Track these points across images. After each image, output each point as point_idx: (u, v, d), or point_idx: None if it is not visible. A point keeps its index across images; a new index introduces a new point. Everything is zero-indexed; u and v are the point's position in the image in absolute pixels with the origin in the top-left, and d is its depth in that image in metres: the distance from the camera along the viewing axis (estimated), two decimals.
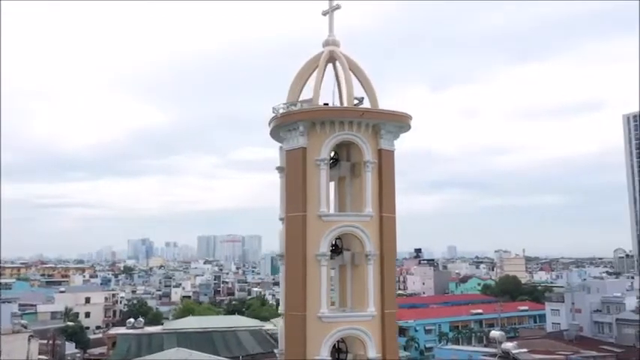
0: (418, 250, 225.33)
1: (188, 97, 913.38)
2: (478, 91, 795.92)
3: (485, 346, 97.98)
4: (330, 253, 14.87)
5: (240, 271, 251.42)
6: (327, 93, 16.98)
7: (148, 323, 76.21)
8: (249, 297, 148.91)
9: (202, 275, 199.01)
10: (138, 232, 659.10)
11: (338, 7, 16.95)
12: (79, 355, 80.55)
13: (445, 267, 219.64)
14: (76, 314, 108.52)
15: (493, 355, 58.49)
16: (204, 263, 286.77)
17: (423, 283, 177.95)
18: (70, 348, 78.66)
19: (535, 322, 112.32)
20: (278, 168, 16.48)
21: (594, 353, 71.84)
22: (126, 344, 61.37)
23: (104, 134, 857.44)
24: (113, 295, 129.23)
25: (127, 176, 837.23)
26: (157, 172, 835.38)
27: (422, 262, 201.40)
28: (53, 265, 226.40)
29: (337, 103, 16.72)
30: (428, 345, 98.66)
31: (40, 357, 53.04)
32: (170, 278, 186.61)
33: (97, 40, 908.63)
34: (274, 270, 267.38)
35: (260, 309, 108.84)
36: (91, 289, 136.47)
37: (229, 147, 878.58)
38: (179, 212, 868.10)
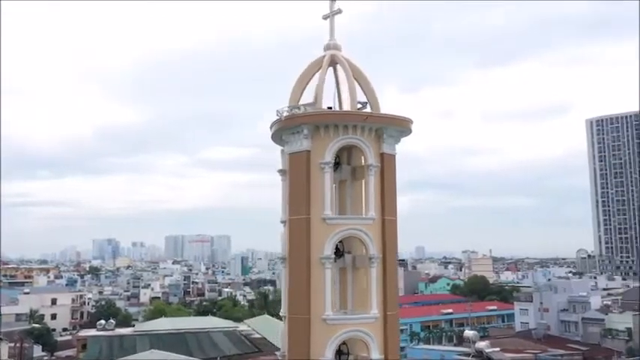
0: None
1: (159, 95, 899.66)
2: (450, 93, 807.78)
3: (456, 345, 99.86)
4: (334, 255, 14.95)
5: (210, 272, 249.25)
6: (328, 96, 17.09)
7: (118, 325, 74.86)
8: (220, 298, 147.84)
9: (171, 276, 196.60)
10: (103, 232, 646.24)
11: (339, 12, 17.07)
12: (46, 357, 78.64)
13: (414, 267, 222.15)
14: (42, 316, 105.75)
15: (467, 354, 59.41)
16: (173, 263, 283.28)
17: None
18: (37, 351, 76.76)
19: (503, 321, 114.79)
20: (280, 171, 16.48)
21: (561, 351, 73.91)
22: (97, 346, 60.05)
23: (70, 131, 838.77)
24: (80, 297, 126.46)
25: (94, 174, 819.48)
26: (125, 170, 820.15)
27: None
28: (15, 266, 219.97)
29: (337, 107, 16.83)
30: (400, 345, 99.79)
31: None
32: (138, 279, 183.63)
33: (64, 34, 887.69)
34: (245, 270, 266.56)
35: (232, 310, 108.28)
36: (57, 290, 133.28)
37: (199, 146, 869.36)
38: (146, 211, 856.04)
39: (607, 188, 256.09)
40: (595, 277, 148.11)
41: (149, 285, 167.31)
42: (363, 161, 16.04)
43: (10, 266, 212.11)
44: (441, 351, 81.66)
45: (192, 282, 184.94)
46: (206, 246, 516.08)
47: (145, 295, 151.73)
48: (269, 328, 64.10)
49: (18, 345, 65.90)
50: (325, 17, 17.36)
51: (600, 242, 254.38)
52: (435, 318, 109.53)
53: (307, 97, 16.65)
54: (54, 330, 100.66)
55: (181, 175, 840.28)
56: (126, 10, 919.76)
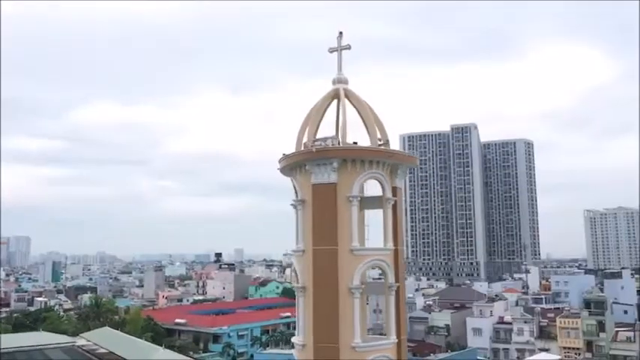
0: (219, 255, 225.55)
1: None
2: (277, 99, 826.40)
3: (292, 347, 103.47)
4: (362, 285, 15.65)
5: (12, 278, 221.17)
6: (329, 129, 17.68)
7: None
8: (33, 308, 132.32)
9: None
10: None
11: (348, 47, 17.77)
12: None
13: (242, 271, 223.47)
14: None
15: None
16: None
17: (224, 288, 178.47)
18: None
19: None
20: (298, 201, 16.59)
21: None
22: None
23: None
24: None
25: None
26: None
27: (222, 266, 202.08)
28: None
29: (341, 140, 17.50)
30: (241, 350, 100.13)
31: None
32: None
33: None
34: (56, 276, 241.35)
35: (59, 322, 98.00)
36: None
37: None
38: None
39: (415, 198, 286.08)
40: (420, 279, 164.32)
41: None
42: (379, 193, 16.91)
43: None
44: (287, 354, 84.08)
45: None
46: (2, 248, 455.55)
47: None
48: (114, 342, 60.06)
49: None
50: (332, 51, 17.92)
51: (407, 247, 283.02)
52: (276, 322, 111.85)
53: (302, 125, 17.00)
54: None
55: None
56: None
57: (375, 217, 17.45)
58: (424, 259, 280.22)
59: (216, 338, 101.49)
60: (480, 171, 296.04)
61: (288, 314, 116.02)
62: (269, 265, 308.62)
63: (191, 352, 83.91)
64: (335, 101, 17.36)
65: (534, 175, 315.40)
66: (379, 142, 16.68)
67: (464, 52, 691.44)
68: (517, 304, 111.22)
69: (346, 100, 17.39)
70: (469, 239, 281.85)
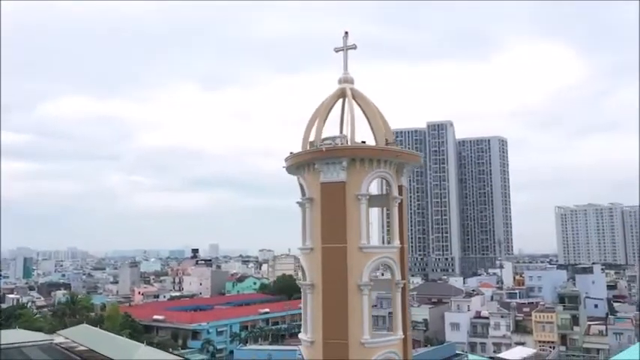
0: (195, 251, 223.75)
1: None
2: (250, 95, 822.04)
3: (271, 343, 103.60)
4: (371, 283, 15.89)
5: None
6: (334, 128, 17.88)
7: None
8: (5, 305, 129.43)
9: None
10: None
11: (354, 47, 17.94)
12: None
13: (219, 267, 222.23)
14: None
15: None
16: None
17: (200, 284, 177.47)
18: None
19: None
20: (305, 199, 16.72)
21: None
22: None
23: None
24: None
25: None
26: None
27: (199, 262, 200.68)
28: None
29: (350, 138, 17.69)
30: (220, 346, 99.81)
31: None
32: None
33: None
34: (27, 273, 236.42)
35: (34, 319, 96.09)
36: None
37: None
38: None
39: None
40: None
41: None
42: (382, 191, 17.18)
43: None
44: (268, 351, 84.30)
45: None
46: None
47: None
48: (93, 339, 59.41)
49: None
50: (337, 50, 18.07)
51: (383, 242, 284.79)
52: (254, 318, 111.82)
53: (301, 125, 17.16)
54: None
55: None
56: None
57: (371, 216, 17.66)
58: None
59: (195, 335, 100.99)
60: (456, 168, 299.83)
61: (267, 310, 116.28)
62: (245, 260, 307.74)
63: (170, 349, 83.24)
64: (332, 100, 17.50)
65: (508, 172, 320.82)
66: (386, 142, 16.92)
67: (440, 50, 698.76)
68: (492, 299, 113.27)
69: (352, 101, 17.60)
70: (444, 235, 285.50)
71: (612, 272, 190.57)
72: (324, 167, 16.17)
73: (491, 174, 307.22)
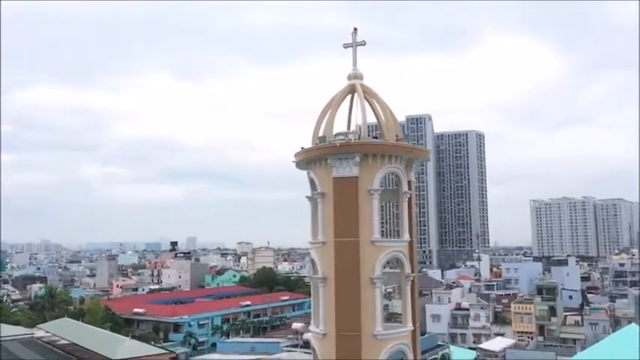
0: (174, 244, 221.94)
1: None
2: (226, 87, 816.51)
3: (253, 336, 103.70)
4: (384, 276, 16.19)
5: None
6: (342, 123, 18.09)
7: None
8: None
9: None
10: None
11: (363, 44, 18.13)
12: None
13: (198, 259, 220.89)
14: None
15: (294, 345, 63.26)
16: None
17: (179, 277, 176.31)
18: None
19: (294, 310, 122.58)
20: (317, 194, 16.90)
21: None
22: None
23: None
24: None
25: None
26: None
27: (178, 255, 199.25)
28: None
29: (357, 133, 17.92)
30: (202, 339, 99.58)
31: None
32: None
33: None
34: (1, 266, 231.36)
35: (11, 313, 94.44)
36: None
37: None
38: None
39: None
40: None
41: None
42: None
43: None
44: (251, 343, 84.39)
45: None
46: None
47: None
48: (75, 332, 58.86)
49: None
50: (347, 46, 18.25)
51: None
52: (236, 310, 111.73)
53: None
54: None
55: None
56: None
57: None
58: None
59: (176, 328, 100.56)
60: (434, 161, 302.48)
61: (248, 303, 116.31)
62: (224, 253, 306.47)
63: (152, 342, 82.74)
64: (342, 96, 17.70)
65: (485, 166, 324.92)
66: (396, 137, 17.20)
67: (418, 44, 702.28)
68: (470, 291, 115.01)
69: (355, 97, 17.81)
70: (422, 228, 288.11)
71: (585, 264, 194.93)
72: (337, 162, 16.39)
73: (468, 167, 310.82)
